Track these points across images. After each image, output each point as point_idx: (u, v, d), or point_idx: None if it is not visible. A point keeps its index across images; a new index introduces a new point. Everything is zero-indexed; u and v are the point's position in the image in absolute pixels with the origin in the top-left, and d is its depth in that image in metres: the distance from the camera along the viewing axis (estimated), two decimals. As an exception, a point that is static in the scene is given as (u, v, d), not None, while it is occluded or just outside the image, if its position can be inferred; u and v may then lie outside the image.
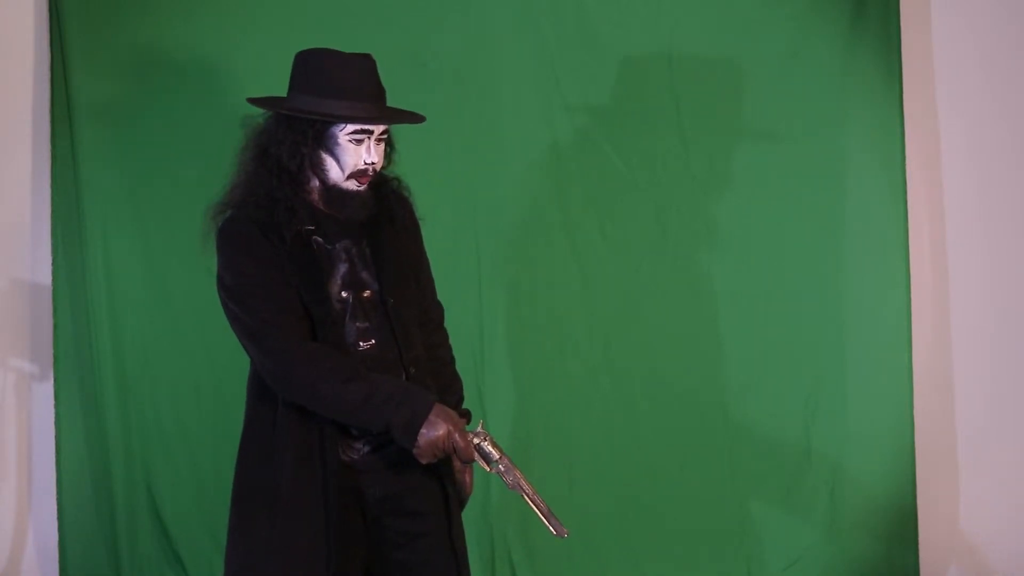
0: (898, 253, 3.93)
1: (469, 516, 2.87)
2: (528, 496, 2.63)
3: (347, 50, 2.70)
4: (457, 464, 2.82)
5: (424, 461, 2.58)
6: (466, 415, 2.88)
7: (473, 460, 2.62)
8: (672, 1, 3.89)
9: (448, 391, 2.88)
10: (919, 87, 3.99)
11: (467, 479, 2.85)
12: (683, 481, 3.98)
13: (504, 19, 3.89)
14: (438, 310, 2.95)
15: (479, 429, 2.64)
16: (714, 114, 3.93)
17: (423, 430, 2.55)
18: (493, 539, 3.94)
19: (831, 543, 3.97)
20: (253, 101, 2.70)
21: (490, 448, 2.62)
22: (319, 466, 2.63)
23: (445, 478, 2.75)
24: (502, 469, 2.62)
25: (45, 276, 3.90)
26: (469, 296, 3.86)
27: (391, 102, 2.70)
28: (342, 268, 2.67)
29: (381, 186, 2.74)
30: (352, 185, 2.65)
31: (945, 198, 4.04)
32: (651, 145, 3.94)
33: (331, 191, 2.65)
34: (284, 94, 2.72)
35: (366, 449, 2.68)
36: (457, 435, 2.57)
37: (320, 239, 2.66)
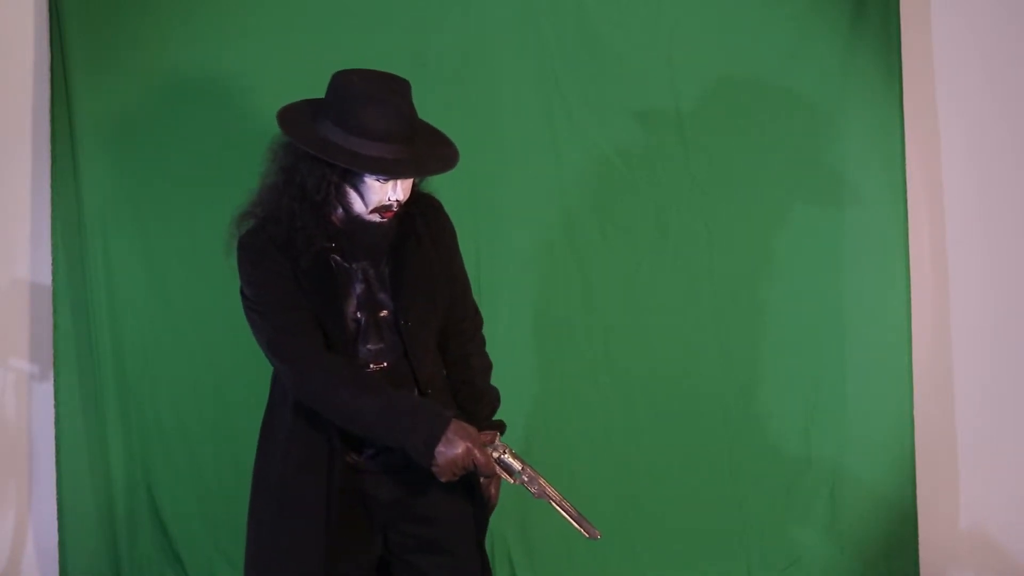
0: (898, 253, 3.94)
1: (469, 516, 2.88)
2: (556, 503, 2.61)
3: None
4: (481, 477, 2.81)
5: (444, 479, 2.55)
6: (499, 426, 2.86)
7: (495, 475, 2.60)
8: (672, 1, 3.89)
9: (480, 401, 2.86)
10: (919, 87, 3.99)
11: (492, 491, 2.82)
12: (683, 481, 3.98)
13: (504, 19, 3.89)
14: (475, 319, 2.94)
15: (497, 442, 2.62)
16: (714, 114, 3.93)
17: (440, 448, 2.52)
18: (493, 539, 3.94)
19: (831, 543, 3.97)
20: (282, 124, 2.62)
21: (511, 460, 2.61)
22: (324, 467, 2.63)
23: (477, 486, 2.74)
24: (526, 480, 2.61)
25: (45, 276, 3.90)
26: (469, 296, 3.86)
27: None
28: (358, 288, 2.66)
29: (410, 205, 2.71)
30: (375, 217, 2.63)
31: (945, 198, 4.04)
32: (651, 145, 3.94)
33: (354, 221, 2.64)
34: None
35: (371, 451, 2.68)
36: (476, 451, 2.54)
37: (338, 257, 2.65)
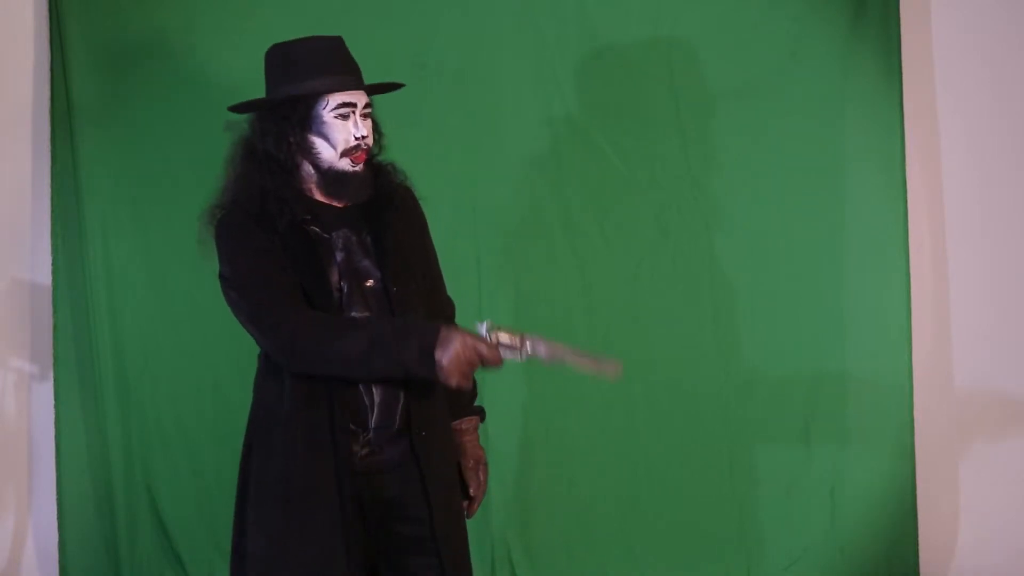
0: (898, 253, 3.93)
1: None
2: (569, 356, 2.50)
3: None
4: (468, 463, 2.81)
5: (454, 382, 2.49)
6: (479, 412, 2.88)
7: (501, 360, 2.50)
8: (672, 1, 3.89)
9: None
10: (919, 87, 3.99)
11: (481, 477, 2.82)
12: (683, 481, 3.98)
13: (504, 19, 3.89)
14: (449, 306, 2.93)
15: (484, 329, 2.53)
16: (714, 114, 3.93)
17: (439, 352, 2.47)
18: (493, 539, 3.94)
19: (831, 543, 3.97)
20: (234, 109, 2.70)
21: (508, 338, 2.50)
22: (330, 458, 2.60)
23: (431, 482, 2.71)
24: (530, 350, 2.50)
25: (45, 276, 3.90)
26: (469, 296, 3.86)
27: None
28: (339, 257, 2.66)
29: (378, 173, 2.73)
30: (347, 165, 2.64)
31: (945, 198, 4.04)
32: (651, 145, 3.94)
33: (327, 175, 2.64)
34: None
35: (363, 452, 2.66)
36: (475, 342, 2.48)
37: (317, 228, 2.65)
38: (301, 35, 3.72)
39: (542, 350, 2.49)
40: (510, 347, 2.50)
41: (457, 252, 3.81)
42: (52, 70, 3.83)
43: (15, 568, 3.95)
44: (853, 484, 3.96)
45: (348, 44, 2.74)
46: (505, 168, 3.91)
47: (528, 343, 2.49)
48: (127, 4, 3.82)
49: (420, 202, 2.84)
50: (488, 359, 2.50)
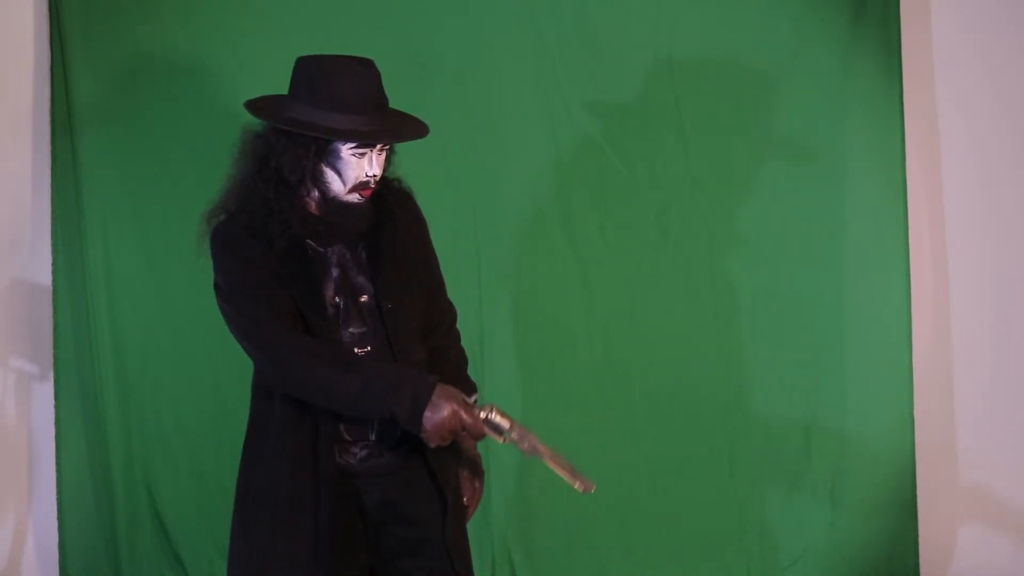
0: (898, 253, 3.93)
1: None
2: (548, 458, 2.56)
3: (347, 51, 2.69)
4: (464, 470, 2.80)
5: (433, 445, 2.53)
6: None
7: (484, 435, 2.55)
8: (672, 1, 3.89)
9: None
10: (919, 87, 3.99)
11: (476, 484, 2.82)
12: (683, 481, 3.98)
13: (504, 19, 3.89)
14: (450, 312, 2.92)
15: (485, 404, 2.59)
16: (714, 114, 3.93)
17: (427, 413, 2.49)
18: (493, 539, 3.94)
19: (831, 543, 3.97)
20: (251, 109, 2.67)
21: (499, 419, 2.55)
22: (311, 471, 2.61)
23: (445, 485, 2.72)
24: (515, 437, 2.55)
25: (45, 276, 3.90)
26: (469, 296, 3.86)
27: (395, 103, 2.68)
28: (334, 273, 2.66)
29: (381, 189, 2.72)
30: (354, 198, 2.63)
31: (945, 198, 4.04)
32: (651, 145, 3.94)
33: (331, 203, 2.63)
34: (282, 94, 2.71)
35: (362, 454, 2.66)
36: (463, 412, 2.52)
37: (313, 243, 2.65)
38: (301, 35, 3.76)
39: (524, 445, 2.56)
40: (497, 427, 2.55)
41: (457, 252, 3.81)
42: (52, 70, 3.83)
43: (15, 568, 3.95)
44: (853, 484, 3.97)
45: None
46: (505, 168, 3.91)
47: (514, 433, 2.55)
48: (127, 4, 3.82)
49: (419, 205, 2.84)
50: (471, 429, 2.54)
